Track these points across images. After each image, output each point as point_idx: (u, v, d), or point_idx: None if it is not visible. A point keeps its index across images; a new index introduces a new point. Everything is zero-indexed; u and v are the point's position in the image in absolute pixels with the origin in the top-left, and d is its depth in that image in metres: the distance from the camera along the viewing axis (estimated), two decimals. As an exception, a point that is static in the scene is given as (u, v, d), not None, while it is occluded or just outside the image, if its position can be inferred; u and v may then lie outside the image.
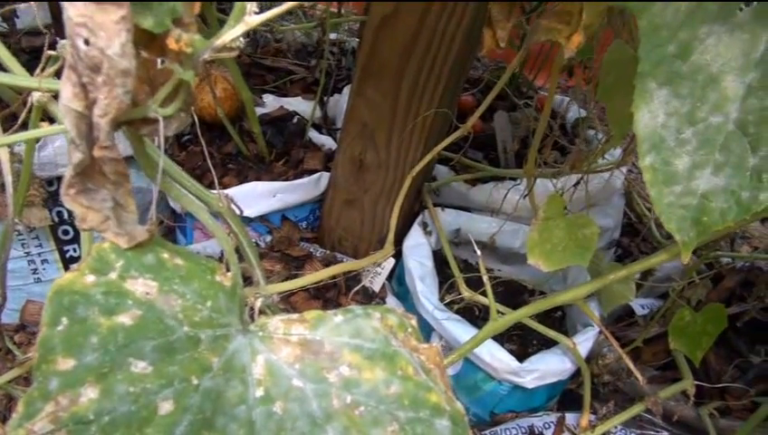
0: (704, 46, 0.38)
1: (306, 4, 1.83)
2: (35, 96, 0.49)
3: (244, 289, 0.39)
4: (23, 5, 1.10)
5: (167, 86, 0.33)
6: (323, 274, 0.73)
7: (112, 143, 0.31)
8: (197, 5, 0.32)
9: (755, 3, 0.37)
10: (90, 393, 0.29)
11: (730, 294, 1.11)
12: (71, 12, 0.28)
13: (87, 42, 0.28)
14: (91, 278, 0.31)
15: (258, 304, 0.46)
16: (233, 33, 0.33)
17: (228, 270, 0.36)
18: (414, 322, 0.38)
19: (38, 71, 0.51)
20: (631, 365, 0.68)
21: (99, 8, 0.27)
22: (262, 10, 0.33)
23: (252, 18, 0.33)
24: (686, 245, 0.41)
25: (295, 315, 0.35)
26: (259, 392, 0.32)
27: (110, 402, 0.29)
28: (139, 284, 0.31)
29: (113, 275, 0.31)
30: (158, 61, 0.34)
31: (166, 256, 0.33)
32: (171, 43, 0.31)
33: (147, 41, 0.32)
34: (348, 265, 0.81)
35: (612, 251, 1.36)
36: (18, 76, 0.46)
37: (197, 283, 0.33)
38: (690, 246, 0.41)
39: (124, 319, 0.30)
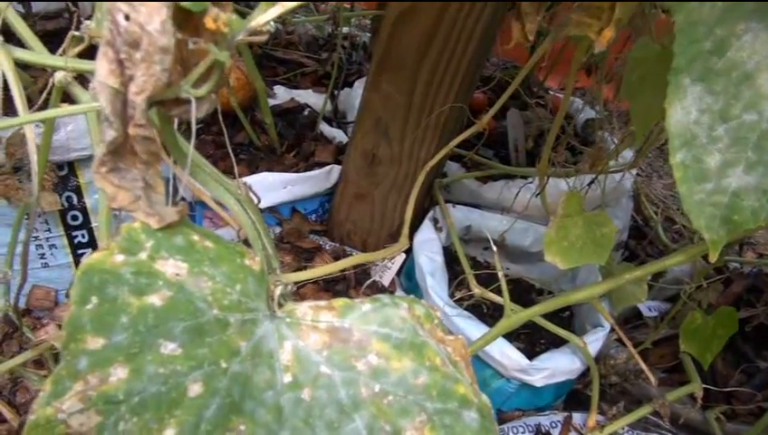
0: (740, 43, 0.38)
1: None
2: (57, 76, 0.49)
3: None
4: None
5: (200, 66, 0.33)
6: (339, 265, 0.72)
7: (147, 122, 0.30)
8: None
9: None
10: (119, 373, 0.28)
11: (738, 299, 1.11)
12: (112, -14, 0.27)
13: (127, 17, 0.28)
14: (120, 258, 0.30)
15: (278, 291, 0.46)
16: (269, 15, 0.32)
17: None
18: (440, 313, 0.38)
19: (60, 51, 0.50)
20: (644, 366, 0.67)
21: (141, -17, 0.27)
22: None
23: (288, 1, 0.32)
24: (714, 243, 0.40)
25: (323, 302, 0.34)
26: (287, 378, 0.32)
27: (140, 383, 0.28)
28: (170, 265, 0.31)
29: (143, 256, 0.31)
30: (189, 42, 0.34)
31: (196, 238, 0.33)
32: (209, 23, 0.30)
33: (181, 20, 0.31)
34: (362, 256, 0.81)
35: (619, 253, 1.36)
36: (43, 55, 0.45)
37: (227, 266, 0.33)
38: (719, 245, 0.40)
39: (154, 299, 0.30)
